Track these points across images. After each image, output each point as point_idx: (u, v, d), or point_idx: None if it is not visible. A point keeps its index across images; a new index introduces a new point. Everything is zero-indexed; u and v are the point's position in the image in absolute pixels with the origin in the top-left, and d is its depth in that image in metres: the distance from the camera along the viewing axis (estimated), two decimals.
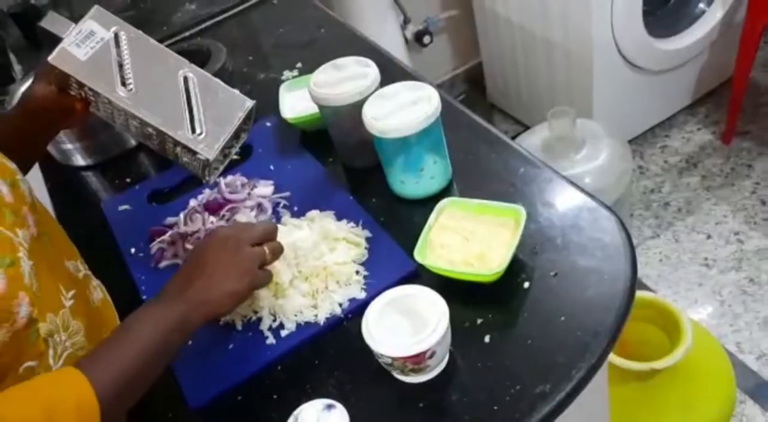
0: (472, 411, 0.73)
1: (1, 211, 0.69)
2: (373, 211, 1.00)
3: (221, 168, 0.89)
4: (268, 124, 1.23)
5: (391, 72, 1.16)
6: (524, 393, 0.73)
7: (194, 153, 0.83)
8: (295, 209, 1.04)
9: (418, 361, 0.73)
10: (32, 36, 1.72)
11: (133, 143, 1.31)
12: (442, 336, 0.73)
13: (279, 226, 0.97)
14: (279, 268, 0.88)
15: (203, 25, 1.64)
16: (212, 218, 1.04)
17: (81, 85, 0.82)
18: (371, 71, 1.01)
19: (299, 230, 0.95)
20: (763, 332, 1.74)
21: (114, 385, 0.64)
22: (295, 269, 0.90)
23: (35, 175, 1.18)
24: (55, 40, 0.83)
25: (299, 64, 1.38)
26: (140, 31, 0.87)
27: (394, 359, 0.73)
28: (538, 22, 2.10)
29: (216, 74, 1.22)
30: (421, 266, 0.86)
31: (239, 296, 0.77)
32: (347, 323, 0.86)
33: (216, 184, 1.09)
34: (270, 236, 0.83)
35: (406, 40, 2.41)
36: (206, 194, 1.10)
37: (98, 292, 0.86)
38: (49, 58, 0.81)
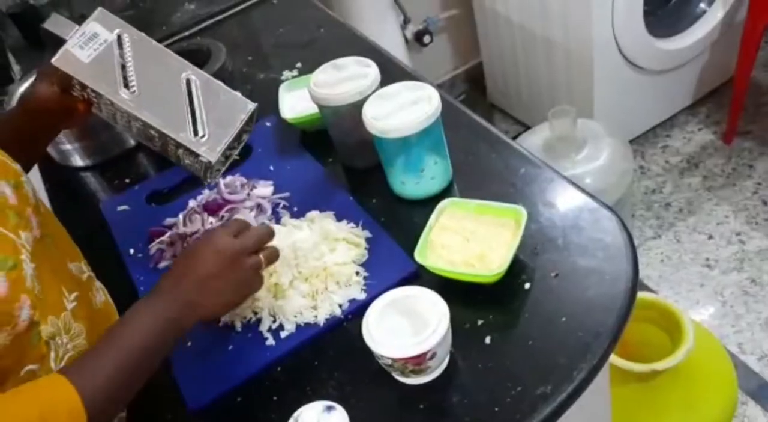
0: (473, 413, 0.73)
1: (4, 213, 0.68)
2: (374, 211, 0.99)
3: (223, 170, 0.89)
4: (268, 124, 1.22)
5: (391, 72, 1.15)
6: (525, 394, 0.72)
7: (196, 156, 0.83)
8: (295, 209, 1.03)
9: (418, 362, 0.73)
10: (31, 36, 1.72)
11: (132, 143, 1.31)
12: (443, 337, 0.72)
13: (278, 227, 0.97)
14: (279, 269, 0.88)
15: (203, 25, 1.64)
16: (211, 219, 1.03)
17: (84, 87, 0.82)
18: (371, 71, 1.00)
19: (299, 231, 0.94)
20: (765, 333, 1.74)
21: (101, 391, 0.64)
22: (294, 270, 0.89)
23: (34, 175, 1.18)
24: (58, 42, 0.83)
25: (299, 64, 1.38)
26: (143, 34, 0.87)
27: (394, 360, 0.73)
28: (539, 21, 2.10)
29: (216, 74, 1.21)
30: (422, 267, 0.86)
31: (233, 305, 0.79)
32: (347, 324, 0.86)
33: (215, 184, 1.09)
34: (265, 242, 0.81)
35: (406, 40, 2.41)
36: (205, 195, 1.09)
37: (101, 294, 0.86)
38: (53, 60, 0.81)
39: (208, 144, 0.83)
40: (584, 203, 0.91)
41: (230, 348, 0.87)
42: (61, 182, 1.30)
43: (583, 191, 0.92)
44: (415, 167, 0.95)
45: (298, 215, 1.01)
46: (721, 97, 2.36)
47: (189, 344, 0.87)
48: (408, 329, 0.76)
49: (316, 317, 0.86)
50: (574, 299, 0.80)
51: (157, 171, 1.24)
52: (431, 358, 0.73)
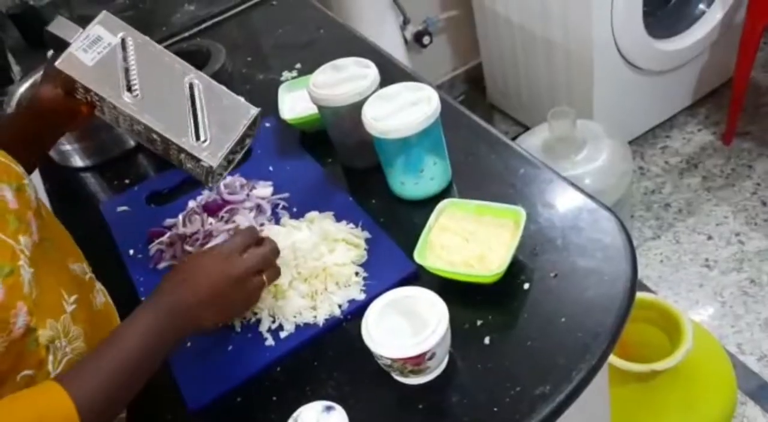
0: (472, 413, 0.73)
1: (4, 218, 0.68)
2: (373, 212, 0.99)
3: (225, 174, 0.88)
4: (268, 125, 1.22)
5: (390, 73, 1.16)
6: (524, 394, 0.72)
7: (198, 160, 0.83)
8: (295, 210, 1.03)
9: (417, 362, 0.73)
10: (31, 37, 1.72)
11: (132, 144, 1.31)
12: (442, 337, 0.72)
13: (278, 227, 0.97)
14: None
15: (202, 26, 1.63)
16: (211, 220, 1.03)
17: (87, 90, 0.83)
18: (371, 72, 1.00)
19: (298, 232, 0.95)
20: (764, 333, 1.74)
21: (95, 398, 0.64)
22: (294, 271, 0.89)
23: (34, 176, 1.18)
24: (62, 45, 0.83)
25: (298, 65, 1.38)
26: (147, 37, 0.87)
27: (393, 360, 0.73)
28: (538, 22, 2.10)
29: (215, 75, 1.22)
30: (421, 268, 0.86)
31: (230, 320, 0.82)
32: (347, 324, 0.86)
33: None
34: (272, 262, 0.81)
35: (406, 41, 2.41)
36: (205, 196, 1.09)
37: (101, 296, 0.86)
38: (56, 63, 0.81)
39: (210, 149, 0.83)
40: (583, 203, 0.91)
41: (230, 348, 0.87)
42: (61, 182, 1.30)
43: (583, 191, 0.93)
44: (414, 168, 0.95)
45: (297, 215, 1.01)
46: (721, 97, 2.37)
47: (189, 344, 0.87)
48: (407, 329, 0.77)
49: (315, 317, 0.87)
50: (573, 299, 0.80)
51: (157, 172, 1.24)
52: (430, 358, 0.73)
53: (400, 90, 0.96)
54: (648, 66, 2.09)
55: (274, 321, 0.88)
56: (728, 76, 2.29)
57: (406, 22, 2.41)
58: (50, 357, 0.70)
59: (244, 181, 1.09)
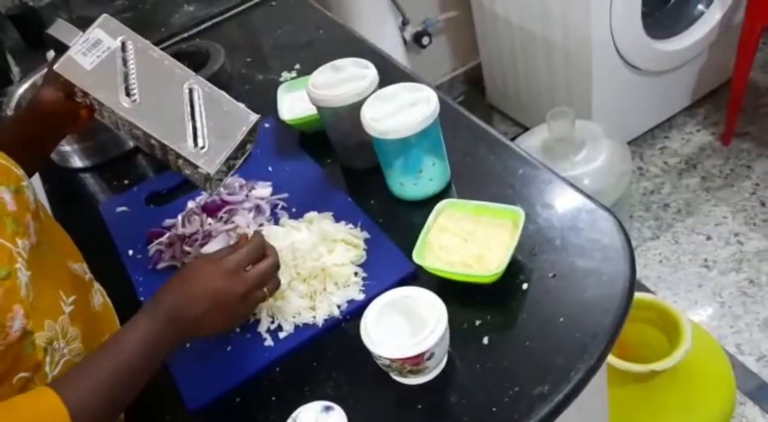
0: (471, 413, 0.73)
1: (1, 220, 0.68)
2: (372, 212, 0.99)
3: (225, 180, 0.88)
4: (267, 125, 1.23)
5: (389, 73, 1.16)
6: (523, 394, 0.72)
7: (195, 167, 0.82)
8: (294, 210, 1.04)
9: (416, 362, 0.73)
10: (30, 38, 1.72)
11: (131, 144, 1.31)
12: (441, 337, 0.72)
13: (277, 228, 0.97)
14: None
15: (202, 27, 1.64)
16: (210, 220, 1.03)
17: (85, 94, 0.82)
18: (370, 73, 1.00)
19: (297, 232, 0.95)
20: (763, 333, 1.74)
21: (89, 404, 0.64)
22: (293, 271, 0.89)
23: (33, 177, 1.18)
24: (62, 48, 0.83)
25: (298, 66, 1.38)
26: (148, 41, 0.86)
27: (392, 360, 0.73)
28: (538, 23, 2.10)
29: (215, 76, 1.22)
30: (420, 268, 0.86)
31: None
32: (345, 324, 0.86)
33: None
34: (273, 275, 0.80)
35: (405, 42, 2.41)
36: (204, 196, 1.09)
37: (99, 296, 0.86)
38: (55, 67, 0.81)
39: (208, 156, 0.82)
40: (582, 204, 0.91)
41: (229, 348, 0.87)
42: (61, 183, 1.31)
43: (581, 192, 0.93)
44: (413, 169, 0.96)
45: (296, 216, 1.02)
46: (719, 98, 2.37)
47: (188, 345, 0.87)
48: (406, 329, 0.77)
49: (314, 317, 0.87)
50: (571, 299, 0.81)
51: (156, 172, 1.24)
52: (429, 358, 0.73)
53: (398, 91, 0.96)
54: (647, 66, 2.09)
55: (273, 322, 0.88)
56: (727, 77, 2.29)
57: (405, 22, 2.41)
58: (47, 359, 0.70)
59: (243, 181, 1.09)
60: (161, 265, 1.01)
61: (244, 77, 1.41)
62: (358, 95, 0.98)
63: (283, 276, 0.88)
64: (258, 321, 0.88)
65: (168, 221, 1.08)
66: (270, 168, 1.13)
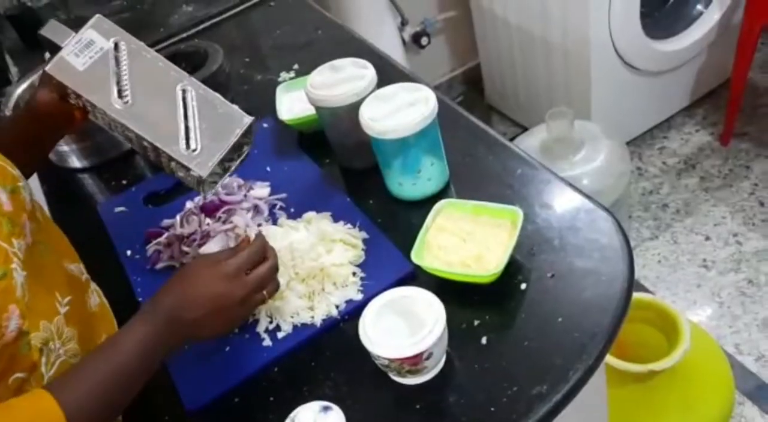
0: (470, 413, 0.73)
1: None
2: (370, 212, 0.99)
3: (220, 182, 0.87)
4: (265, 125, 1.22)
5: (388, 73, 1.16)
6: (521, 394, 0.72)
7: (188, 169, 0.81)
8: (292, 210, 1.04)
9: (415, 362, 0.73)
10: (29, 38, 1.72)
11: (129, 145, 1.31)
12: (439, 337, 0.72)
13: (275, 228, 0.97)
14: None
15: (200, 27, 1.63)
16: (208, 220, 1.03)
17: (78, 95, 0.82)
18: (368, 73, 1.00)
19: (296, 232, 0.95)
20: (761, 333, 1.74)
21: (85, 406, 0.63)
22: (291, 271, 0.89)
23: (32, 177, 1.18)
24: (56, 49, 0.82)
25: (296, 66, 1.38)
26: (141, 42, 0.86)
27: (391, 360, 0.73)
28: (536, 23, 2.10)
29: (213, 76, 1.22)
30: (418, 268, 0.86)
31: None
32: (344, 324, 0.86)
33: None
34: (272, 277, 0.80)
35: (404, 42, 2.41)
36: (202, 196, 1.09)
37: (95, 296, 0.86)
38: (47, 68, 0.81)
39: (200, 158, 0.81)
40: (581, 204, 0.91)
41: (227, 349, 0.87)
42: (59, 183, 1.30)
43: (580, 192, 0.93)
44: (412, 169, 0.95)
45: (295, 216, 1.02)
46: (718, 98, 2.37)
47: (186, 346, 0.87)
48: (404, 329, 0.77)
49: (312, 318, 0.87)
50: (570, 299, 0.80)
51: (155, 173, 1.24)
52: (428, 358, 0.73)
53: (397, 91, 0.96)
54: (646, 67, 2.09)
55: (271, 322, 0.88)
56: (726, 77, 2.29)
57: (404, 23, 2.41)
58: (43, 360, 0.70)
59: (241, 181, 1.09)
60: (159, 265, 1.01)
61: (242, 77, 1.41)
62: (356, 95, 0.98)
63: (282, 277, 0.88)
64: (256, 321, 0.88)
65: (166, 222, 1.07)
66: (268, 168, 1.13)
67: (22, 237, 0.71)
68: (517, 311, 0.81)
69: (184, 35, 1.61)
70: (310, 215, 0.99)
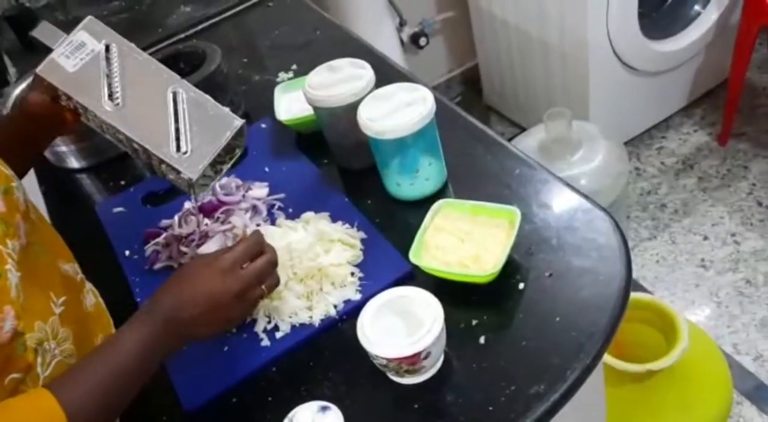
0: (468, 412, 0.73)
1: None
2: (369, 212, 0.99)
3: (212, 184, 0.86)
4: (263, 126, 1.23)
5: (386, 74, 1.16)
6: (519, 393, 0.73)
7: (178, 172, 0.81)
8: (290, 210, 1.04)
9: (413, 362, 0.73)
10: (27, 39, 1.72)
11: (120, 147, 1.31)
12: (437, 336, 0.72)
13: (274, 228, 0.97)
14: None
15: (198, 27, 1.63)
16: (207, 220, 1.03)
17: (69, 97, 0.81)
18: (366, 73, 1.01)
19: (294, 232, 0.95)
20: (760, 333, 1.75)
21: (86, 406, 0.63)
22: (290, 271, 0.89)
23: (29, 177, 1.18)
24: (46, 50, 0.82)
25: (294, 66, 1.38)
26: (133, 44, 0.85)
27: (389, 360, 0.73)
28: (534, 23, 2.11)
29: (211, 76, 1.22)
30: (416, 268, 0.86)
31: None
32: (342, 324, 0.86)
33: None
34: (271, 272, 0.79)
35: (402, 42, 2.41)
36: (201, 196, 1.09)
37: (90, 296, 0.86)
38: (37, 70, 0.80)
39: (190, 161, 0.81)
40: (578, 204, 0.91)
41: (225, 348, 0.87)
42: (57, 184, 1.30)
43: (578, 192, 0.93)
44: (410, 169, 0.96)
45: (293, 216, 1.02)
46: (716, 98, 2.37)
47: (186, 346, 0.87)
48: (403, 329, 0.77)
49: (311, 317, 0.87)
50: (568, 299, 0.81)
51: (153, 173, 1.24)
52: (426, 358, 0.73)
53: (395, 91, 0.96)
54: (644, 67, 2.09)
55: (269, 322, 0.88)
56: (724, 77, 2.29)
57: (402, 23, 2.41)
58: (39, 360, 0.70)
59: (239, 182, 1.09)
60: (158, 265, 1.01)
61: (240, 78, 1.41)
62: (354, 96, 0.98)
63: (280, 277, 0.88)
64: (255, 321, 0.88)
65: (165, 222, 1.08)
66: (267, 169, 1.13)
67: (16, 238, 0.70)
68: (515, 310, 0.81)
69: (182, 36, 1.61)
70: (309, 215, 0.99)
